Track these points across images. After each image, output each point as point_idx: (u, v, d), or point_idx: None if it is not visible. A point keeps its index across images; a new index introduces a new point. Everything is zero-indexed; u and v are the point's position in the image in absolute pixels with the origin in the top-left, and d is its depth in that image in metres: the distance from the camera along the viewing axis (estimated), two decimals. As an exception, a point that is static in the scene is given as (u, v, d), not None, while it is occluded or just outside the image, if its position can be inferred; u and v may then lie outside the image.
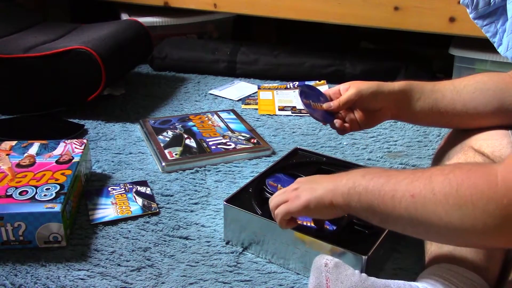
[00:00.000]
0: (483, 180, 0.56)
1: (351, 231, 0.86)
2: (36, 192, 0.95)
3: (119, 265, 0.89)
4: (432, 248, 0.79)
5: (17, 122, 1.42)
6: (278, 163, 1.07)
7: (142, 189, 1.11)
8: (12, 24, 1.62)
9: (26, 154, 1.08)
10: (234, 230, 0.94)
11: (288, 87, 1.71)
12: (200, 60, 1.83)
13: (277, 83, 1.75)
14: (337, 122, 0.89)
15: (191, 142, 1.30)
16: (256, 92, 1.68)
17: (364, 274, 0.71)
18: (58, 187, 0.97)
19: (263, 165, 1.23)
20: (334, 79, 1.74)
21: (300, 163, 1.07)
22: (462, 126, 0.89)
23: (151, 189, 1.11)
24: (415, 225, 0.61)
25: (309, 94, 0.91)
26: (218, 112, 1.48)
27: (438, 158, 0.92)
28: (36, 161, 1.06)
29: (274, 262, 0.90)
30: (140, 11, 1.92)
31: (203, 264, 0.90)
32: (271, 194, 0.92)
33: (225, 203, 0.93)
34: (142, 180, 1.15)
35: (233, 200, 0.94)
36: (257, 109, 1.56)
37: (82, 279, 0.85)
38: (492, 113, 0.85)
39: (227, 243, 0.95)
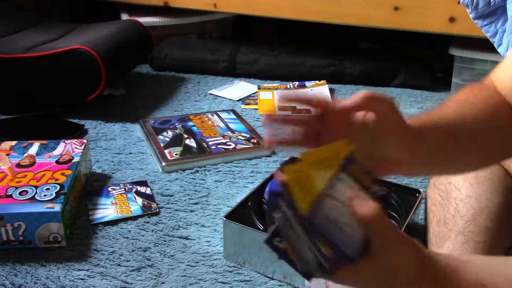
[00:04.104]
0: None
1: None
2: (36, 192, 0.95)
3: (119, 265, 0.89)
4: (433, 248, 0.80)
5: (17, 122, 1.42)
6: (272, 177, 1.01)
7: (142, 189, 1.11)
8: (12, 24, 1.62)
9: (26, 154, 1.08)
10: (235, 246, 0.90)
11: (288, 87, 1.71)
12: (200, 60, 1.83)
13: (277, 83, 1.75)
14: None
15: (191, 142, 1.30)
16: (256, 92, 1.68)
17: None
18: (58, 187, 0.97)
19: (263, 165, 1.23)
20: (334, 79, 1.74)
21: None
22: None
23: (151, 189, 1.11)
24: None
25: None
26: (218, 112, 1.48)
27: None
28: (36, 161, 1.06)
29: (275, 279, 0.86)
30: (140, 11, 1.92)
31: (203, 264, 0.90)
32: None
33: (224, 219, 0.89)
34: (142, 180, 1.15)
35: (232, 215, 0.89)
36: (257, 109, 1.56)
37: (82, 279, 0.85)
38: None
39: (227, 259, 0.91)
